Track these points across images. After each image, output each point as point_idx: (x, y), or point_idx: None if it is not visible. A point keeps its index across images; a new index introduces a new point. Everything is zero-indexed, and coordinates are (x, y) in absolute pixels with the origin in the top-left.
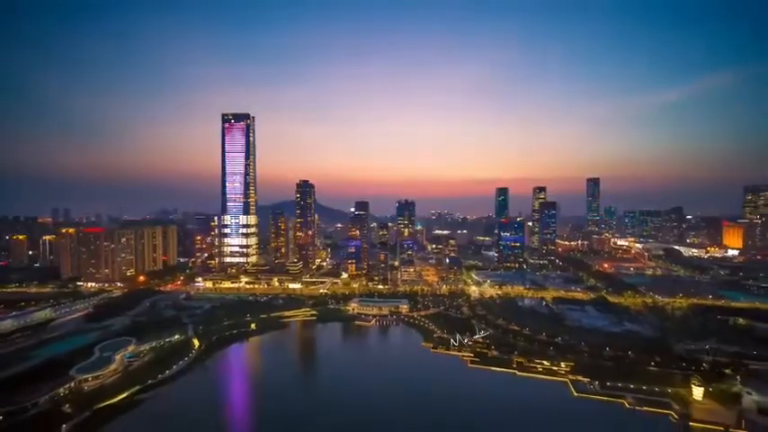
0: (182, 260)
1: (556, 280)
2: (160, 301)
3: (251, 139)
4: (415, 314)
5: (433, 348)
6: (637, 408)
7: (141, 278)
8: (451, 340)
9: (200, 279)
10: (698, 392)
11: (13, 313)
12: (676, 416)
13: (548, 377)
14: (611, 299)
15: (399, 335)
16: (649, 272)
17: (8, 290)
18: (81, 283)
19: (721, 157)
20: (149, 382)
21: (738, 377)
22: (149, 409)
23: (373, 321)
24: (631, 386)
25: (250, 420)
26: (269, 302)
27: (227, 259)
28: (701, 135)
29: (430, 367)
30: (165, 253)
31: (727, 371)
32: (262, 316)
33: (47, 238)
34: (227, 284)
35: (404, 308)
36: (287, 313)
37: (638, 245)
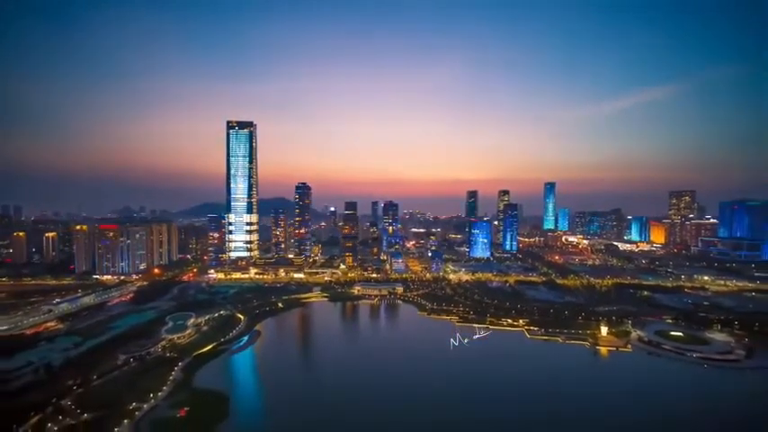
0: (179, 256)
1: (517, 269)
2: (186, 288)
3: (253, 144)
4: (408, 294)
5: (427, 315)
6: (566, 342)
7: (156, 271)
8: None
9: (212, 271)
10: (604, 330)
11: (57, 300)
12: (589, 344)
13: (510, 328)
14: (558, 281)
15: (399, 308)
16: (590, 262)
17: (29, 282)
18: (97, 276)
19: (657, 164)
20: (222, 339)
21: (630, 323)
22: (232, 355)
23: (376, 300)
24: (564, 331)
25: (307, 354)
26: (284, 288)
27: (233, 254)
28: (641, 143)
29: (428, 327)
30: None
31: (625, 320)
32: (284, 297)
33: (48, 235)
34: (237, 275)
35: (399, 289)
36: (303, 295)
37: (585, 241)
